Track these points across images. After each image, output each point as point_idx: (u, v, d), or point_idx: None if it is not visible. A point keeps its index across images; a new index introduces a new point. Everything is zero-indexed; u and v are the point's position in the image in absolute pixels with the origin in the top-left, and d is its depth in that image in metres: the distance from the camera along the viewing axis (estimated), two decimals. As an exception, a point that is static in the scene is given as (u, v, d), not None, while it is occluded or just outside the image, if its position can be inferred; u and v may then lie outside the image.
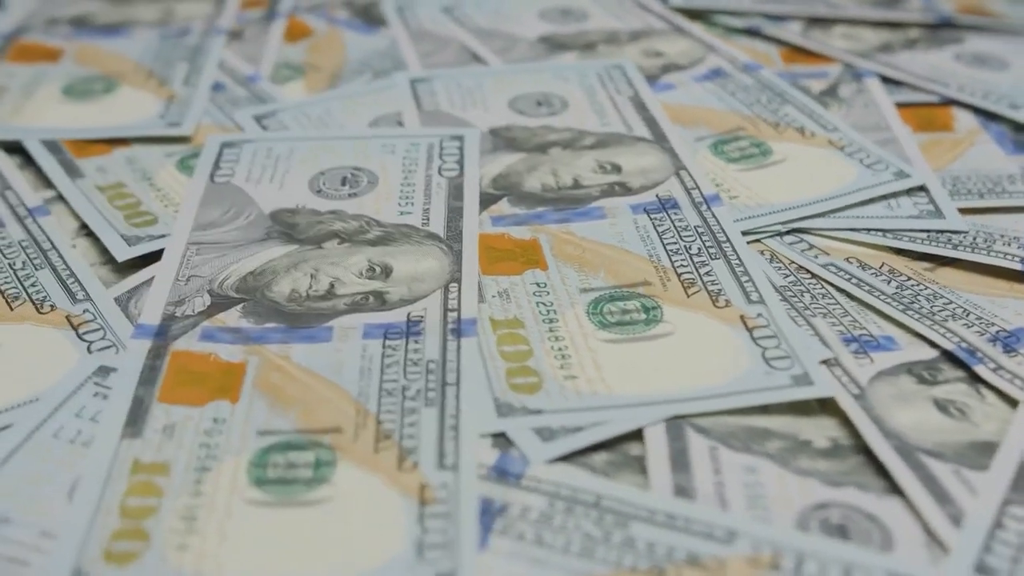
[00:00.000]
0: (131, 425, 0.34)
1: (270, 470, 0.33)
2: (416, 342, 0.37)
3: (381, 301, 0.39)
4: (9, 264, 0.40)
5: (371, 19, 0.59)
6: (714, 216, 0.43)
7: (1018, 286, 0.42)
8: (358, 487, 0.32)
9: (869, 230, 0.44)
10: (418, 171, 0.46)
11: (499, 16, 0.60)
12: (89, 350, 0.37)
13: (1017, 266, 0.42)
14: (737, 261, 0.41)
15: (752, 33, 0.60)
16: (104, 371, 0.36)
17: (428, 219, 0.43)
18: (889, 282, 0.41)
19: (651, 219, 0.43)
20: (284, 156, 0.47)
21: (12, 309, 0.38)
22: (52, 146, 0.47)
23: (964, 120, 0.53)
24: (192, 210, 0.43)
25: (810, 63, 0.57)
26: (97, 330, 0.38)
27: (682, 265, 0.41)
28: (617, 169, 0.46)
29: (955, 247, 0.43)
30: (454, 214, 0.43)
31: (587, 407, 0.35)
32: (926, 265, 0.43)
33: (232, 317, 0.38)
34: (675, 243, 0.42)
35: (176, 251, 0.41)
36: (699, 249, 0.41)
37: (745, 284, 0.40)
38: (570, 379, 0.36)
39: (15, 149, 0.47)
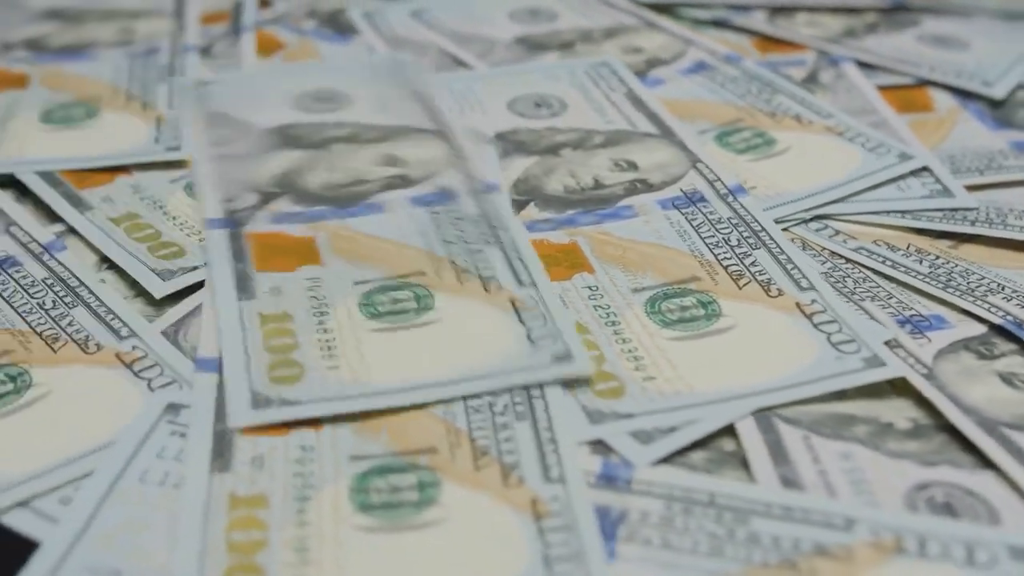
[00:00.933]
0: (218, 459, 0.33)
1: (374, 495, 0.32)
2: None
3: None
4: (39, 304, 0.39)
5: (341, 28, 0.58)
6: (743, 207, 0.44)
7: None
8: (467, 506, 0.32)
9: (889, 212, 0.45)
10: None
11: (470, 19, 0.59)
12: (150, 387, 0.35)
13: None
14: (778, 250, 0.41)
15: (720, 24, 0.60)
16: (174, 408, 0.35)
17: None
18: (920, 262, 0.42)
19: (682, 214, 0.43)
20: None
21: (55, 351, 0.37)
22: (50, 178, 0.45)
23: (942, 100, 0.54)
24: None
25: (785, 52, 0.58)
26: (152, 366, 0.36)
27: (726, 257, 0.41)
28: (633, 166, 0.47)
29: (972, 223, 0.44)
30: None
31: (675, 407, 0.35)
32: (948, 243, 0.44)
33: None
34: (713, 236, 0.42)
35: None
36: (738, 240, 0.42)
37: (792, 272, 0.40)
38: (649, 380, 0.36)
39: (7, 183, 0.45)
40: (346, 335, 0.37)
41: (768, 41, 0.59)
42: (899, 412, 0.36)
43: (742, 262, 0.41)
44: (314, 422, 0.34)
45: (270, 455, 0.33)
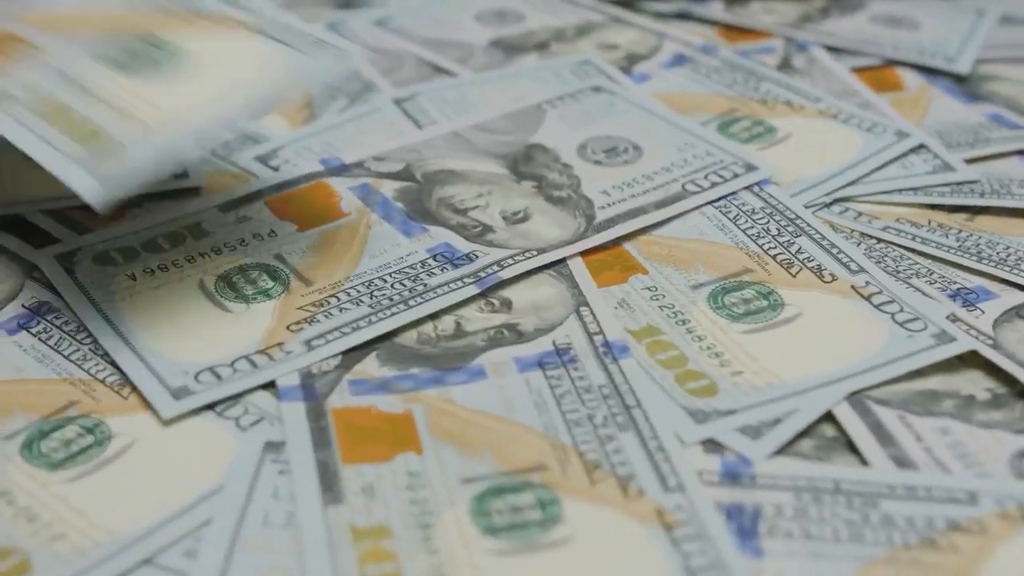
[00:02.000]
0: (328, 492, 0.32)
1: (496, 517, 0.31)
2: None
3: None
4: (90, 349, 0.37)
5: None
6: (772, 196, 0.44)
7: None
8: (592, 521, 0.32)
9: (901, 190, 0.46)
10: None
11: (438, 24, 0.59)
12: (239, 426, 0.34)
13: (1039, 205, 0.45)
14: (819, 235, 0.42)
15: (683, 16, 0.61)
16: (273, 446, 0.33)
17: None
18: (947, 236, 0.44)
19: (715, 208, 0.44)
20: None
21: (124, 398, 0.35)
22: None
23: (910, 78, 0.56)
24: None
25: (752, 40, 0.59)
26: (235, 404, 0.35)
27: (771, 247, 0.42)
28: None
29: (981, 196, 0.46)
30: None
31: (772, 398, 0.35)
32: (964, 216, 0.46)
33: (389, 187, 0.43)
34: (752, 228, 0.43)
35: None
36: (778, 229, 0.42)
37: (839, 256, 0.41)
38: (737, 375, 0.36)
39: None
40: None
41: (732, 30, 0.60)
42: (975, 384, 0.37)
43: (788, 250, 0.42)
44: (414, 445, 0.33)
45: (379, 483, 0.32)
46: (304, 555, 0.30)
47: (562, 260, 0.41)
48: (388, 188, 0.45)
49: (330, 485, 0.32)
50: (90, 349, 0.37)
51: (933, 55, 0.57)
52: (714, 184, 0.45)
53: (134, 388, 0.36)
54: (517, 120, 0.49)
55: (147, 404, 0.35)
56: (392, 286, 0.39)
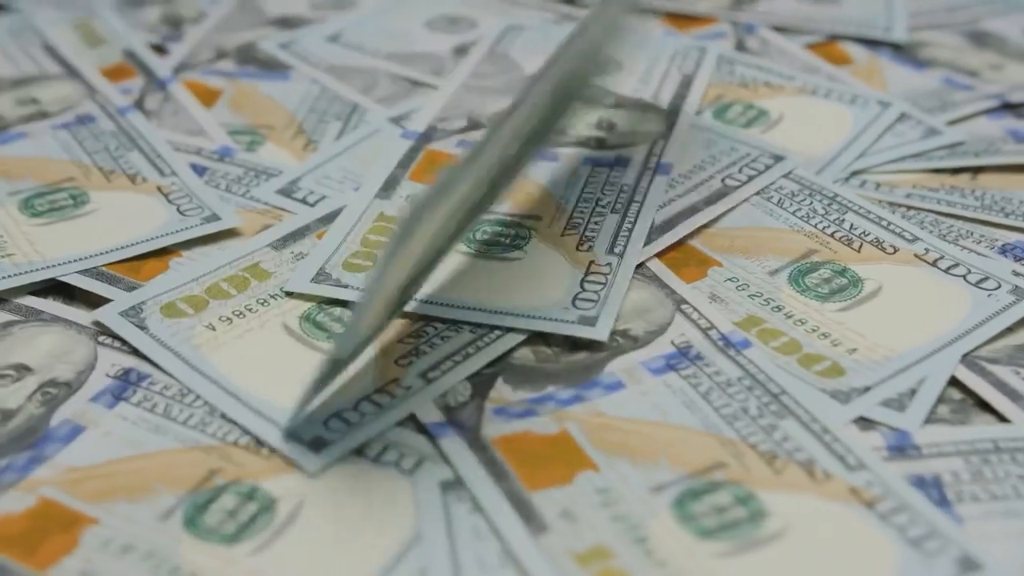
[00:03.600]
0: (531, 522, 0.32)
1: (704, 520, 0.32)
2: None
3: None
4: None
5: (267, 65, 0.55)
6: (804, 178, 0.46)
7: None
8: (798, 510, 0.32)
9: (904, 158, 0.49)
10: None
11: (391, 36, 0.57)
12: (401, 469, 0.33)
13: (1034, 159, 0.48)
14: (864, 210, 0.44)
15: (627, 9, 0.62)
16: (449, 486, 0.33)
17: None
18: (965, 196, 0.46)
19: (759, 195, 0.45)
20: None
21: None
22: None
23: (855, 51, 0.59)
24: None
25: (702, 26, 0.60)
26: (385, 450, 0.34)
27: (825, 226, 0.43)
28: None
29: (976, 155, 0.49)
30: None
31: (897, 370, 0.37)
32: (967, 177, 0.48)
33: (505, 392, 0.36)
34: (799, 209, 0.44)
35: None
36: (824, 209, 0.44)
37: (890, 228, 0.43)
38: (852, 352, 0.37)
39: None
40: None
41: (677, 18, 0.61)
42: (1061, 330, 0.39)
43: (841, 227, 0.43)
44: (587, 462, 0.33)
45: (573, 506, 0.32)
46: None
47: (642, 263, 0.41)
48: None
49: (529, 515, 0.32)
50: (205, 412, 0.35)
51: (871, 27, 0.59)
52: (751, 177, 0.46)
53: (267, 445, 0.34)
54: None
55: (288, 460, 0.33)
56: None
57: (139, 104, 0.51)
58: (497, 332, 0.38)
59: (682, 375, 0.36)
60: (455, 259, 0.41)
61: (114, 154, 0.47)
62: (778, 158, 0.47)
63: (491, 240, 0.42)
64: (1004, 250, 0.43)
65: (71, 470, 0.33)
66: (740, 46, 0.58)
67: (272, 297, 0.39)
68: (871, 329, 0.38)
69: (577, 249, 0.41)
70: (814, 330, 0.38)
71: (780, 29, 0.60)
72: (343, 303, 0.39)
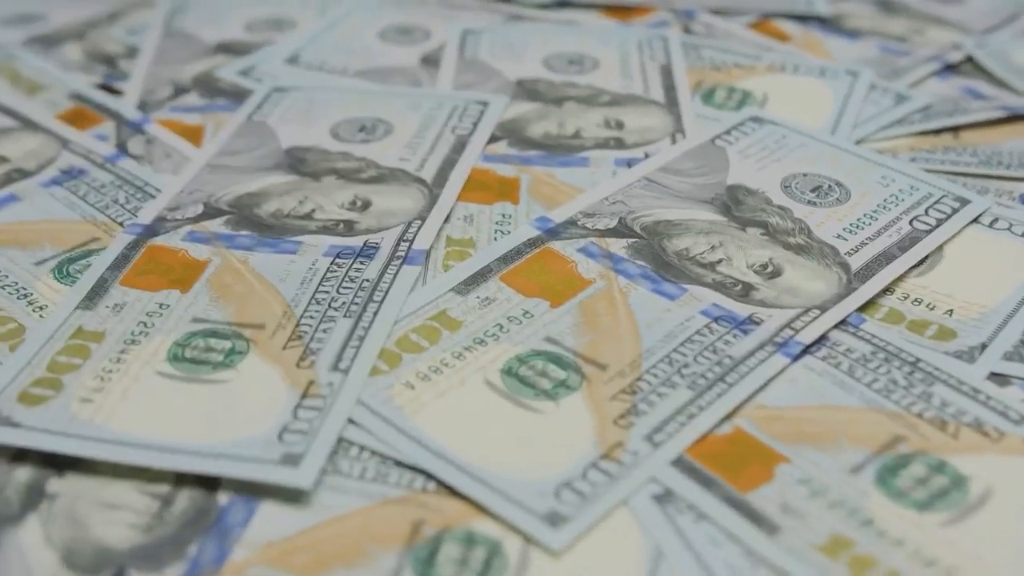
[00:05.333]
0: (762, 525, 0.32)
1: (912, 494, 0.33)
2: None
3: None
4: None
5: (236, 96, 0.52)
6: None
7: (1019, 128, 0.52)
8: (995, 468, 0.33)
9: (891, 124, 0.52)
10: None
11: (349, 52, 0.56)
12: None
13: (1002, 114, 0.52)
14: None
15: (563, 4, 0.62)
16: (661, 499, 0.33)
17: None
18: (960, 155, 0.49)
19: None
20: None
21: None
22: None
23: (788, 28, 0.61)
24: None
25: (645, 15, 0.61)
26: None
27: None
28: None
29: (950, 116, 0.52)
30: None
31: (999, 324, 0.39)
32: (949, 136, 0.51)
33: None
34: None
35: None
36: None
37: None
38: (949, 313, 0.39)
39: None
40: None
41: (616, 10, 0.62)
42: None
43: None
44: (776, 455, 0.34)
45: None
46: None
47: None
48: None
49: (754, 516, 0.32)
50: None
51: (793, 3, 0.62)
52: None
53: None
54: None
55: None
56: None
57: (122, 149, 0.48)
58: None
59: (817, 357, 0.37)
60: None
61: (127, 206, 0.44)
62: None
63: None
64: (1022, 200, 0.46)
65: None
66: (687, 31, 0.59)
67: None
68: (954, 288, 0.40)
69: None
70: (906, 296, 0.40)
71: (715, 12, 0.61)
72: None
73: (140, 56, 0.55)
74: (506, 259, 0.41)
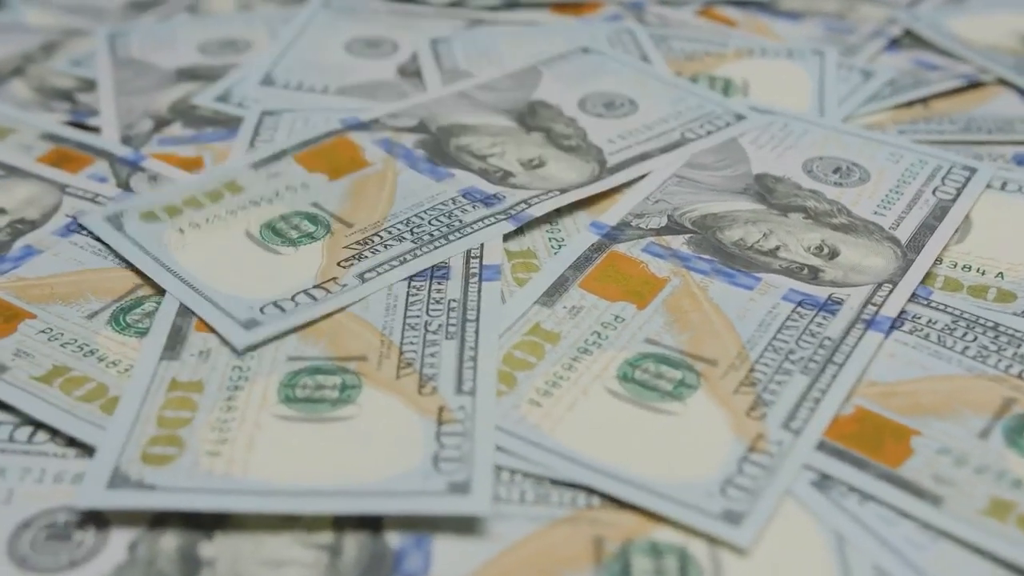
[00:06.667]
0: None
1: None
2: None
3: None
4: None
5: (224, 123, 0.51)
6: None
7: (979, 93, 0.55)
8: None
9: (869, 99, 0.54)
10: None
11: (324, 70, 0.55)
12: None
13: (963, 82, 0.55)
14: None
15: (511, 5, 0.62)
16: (821, 484, 0.33)
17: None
18: (943, 123, 0.52)
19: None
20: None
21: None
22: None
23: (732, 13, 0.63)
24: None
25: (591, 11, 0.62)
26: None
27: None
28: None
29: (915, 87, 0.55)
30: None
31: (1051, 282, 0.41)
32: (921, 107, 0.54)
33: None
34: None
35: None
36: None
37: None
38: (1000, 276, 0.42)
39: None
40: None
41: (564, 7, 0.62)
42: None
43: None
44: (907, 429, 0.35)
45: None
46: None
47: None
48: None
49: (916, 490, 0.33)
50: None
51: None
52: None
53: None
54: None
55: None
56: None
57: (127, 189, 0.45)
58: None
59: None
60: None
61: (157, 247, 0.42)
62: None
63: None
64: (1021, 160, 0.48)
65: None
66: (639, 20, 0.60)
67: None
68: (994, 250, 0.42)
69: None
70: (954, 264, 0.42)
71: (663, 3, 0.62)
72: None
73: (100, 89, 0.52)
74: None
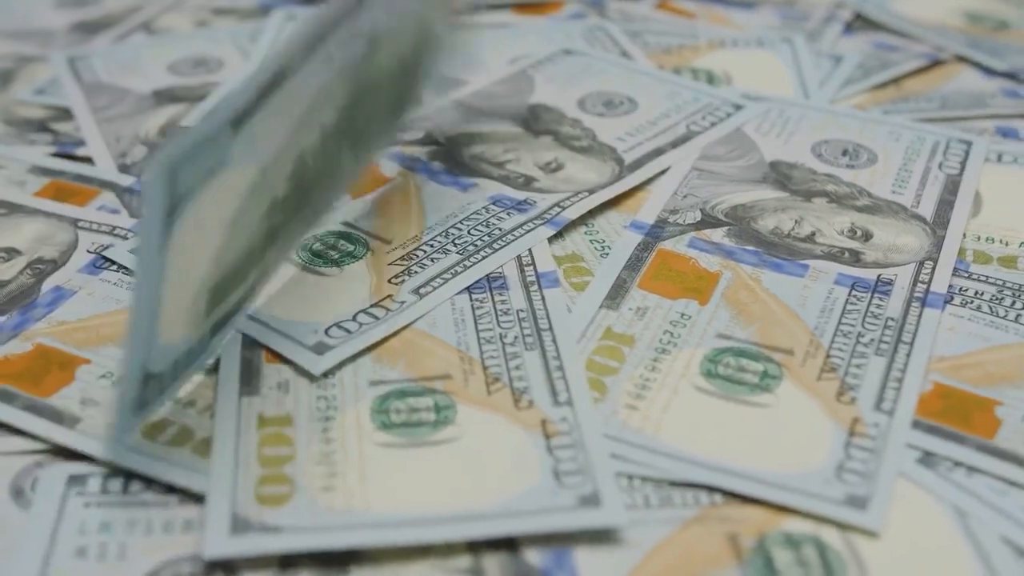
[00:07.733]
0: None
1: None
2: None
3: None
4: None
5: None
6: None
7: (943, 71, 0.57)
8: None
9: (848, 83, 0.55)
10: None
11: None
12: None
13: (926, 61, 0.57)
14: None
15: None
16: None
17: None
18: (920, 103, 0.54)
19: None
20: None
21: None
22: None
23: (687, 5, 0.64)
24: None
25: (554, 10, 0.62)
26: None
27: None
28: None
29: (885, 68, 0.57)
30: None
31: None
32: (893, 88, 0.56)
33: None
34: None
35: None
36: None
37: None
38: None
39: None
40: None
41: (525, 7, 0.62)
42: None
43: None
44: (988, 400, 0.37)
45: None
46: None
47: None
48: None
49: (1013, 458, 0.34)
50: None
51: (684, -23, 0.65)
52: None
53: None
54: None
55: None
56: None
57: (142, 220, 0.44)
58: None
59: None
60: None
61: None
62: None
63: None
64: (1005, 134, 0.50)
65: None
66: (602, 15, 0.61)
67: None
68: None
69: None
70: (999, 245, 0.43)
71: (616, -1, 0.63)
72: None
73: (77, 117, 0.50)
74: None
